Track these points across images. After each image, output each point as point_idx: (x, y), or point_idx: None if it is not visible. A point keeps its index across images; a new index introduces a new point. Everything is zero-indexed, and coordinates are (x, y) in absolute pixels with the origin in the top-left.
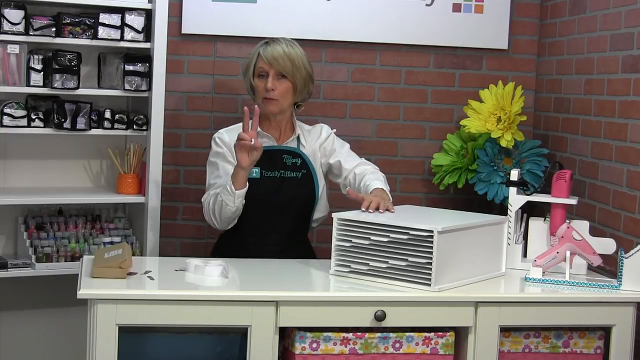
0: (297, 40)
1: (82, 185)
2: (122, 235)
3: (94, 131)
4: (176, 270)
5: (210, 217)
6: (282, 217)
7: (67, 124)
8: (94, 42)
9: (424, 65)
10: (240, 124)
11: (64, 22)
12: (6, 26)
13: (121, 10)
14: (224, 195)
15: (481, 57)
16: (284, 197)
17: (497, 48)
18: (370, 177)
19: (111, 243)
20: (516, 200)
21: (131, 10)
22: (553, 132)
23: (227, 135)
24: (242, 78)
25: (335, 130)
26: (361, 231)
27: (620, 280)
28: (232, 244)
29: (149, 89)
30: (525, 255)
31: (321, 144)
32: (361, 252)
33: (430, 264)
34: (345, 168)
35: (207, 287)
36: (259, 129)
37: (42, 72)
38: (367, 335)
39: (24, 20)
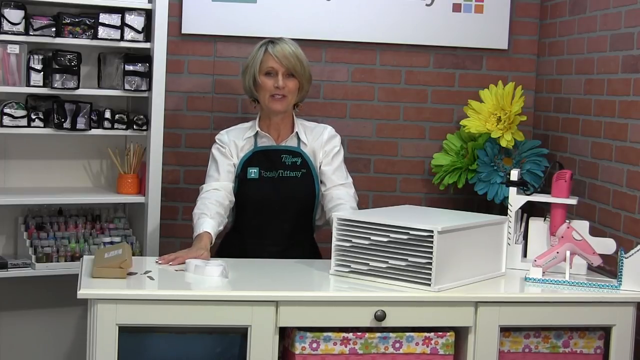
0: (297, 40)
1: (82, 185)
2: (122, 235)
3: (94, 131)
4: (176, 270)
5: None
6: (282, 218)
7: (67, 124)
8: (94, 42)
9: (424, 65)
10: (240, 125)
11: (64, 22)
12: (6, 26)
13: (121, 10)
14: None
15: (481, 57)
16: (282, 198)
17: (497, 48)
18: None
19: (111, 243)
20: (516, 200)
21: (131, 10)
22: (553, 132)
23: (227, 136)
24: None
25: (338, 137)
26: (361, 231)
27: (620, 280)
28: (232, 245)
29: (149, 89)
30: (525, 255)
31: (322, 145)
32: (361, 252)
33: (430, 264)
34: (326, 184)
35: (207, 287)
36: (257, 129)
37: (42, 72)
38: (367, 335)
39: (24, 20)
